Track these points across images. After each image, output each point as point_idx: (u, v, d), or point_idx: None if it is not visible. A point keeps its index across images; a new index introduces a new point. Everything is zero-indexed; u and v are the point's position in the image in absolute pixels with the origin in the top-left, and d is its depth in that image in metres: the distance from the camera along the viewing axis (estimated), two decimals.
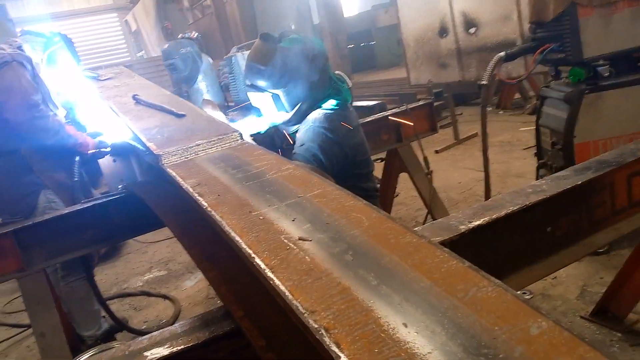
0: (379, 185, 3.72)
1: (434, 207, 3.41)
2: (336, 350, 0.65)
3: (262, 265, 0.85)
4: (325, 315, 0.71)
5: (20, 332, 3.28)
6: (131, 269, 4.18)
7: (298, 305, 0.74)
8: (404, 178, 3.54)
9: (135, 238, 4.13)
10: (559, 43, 2.74)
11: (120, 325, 3.01)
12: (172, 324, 3.06)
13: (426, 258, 0.82)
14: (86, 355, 2.11)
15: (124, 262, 4.35)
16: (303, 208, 1.02)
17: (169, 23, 10.65)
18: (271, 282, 0.81)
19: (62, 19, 16.85)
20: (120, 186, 2.55)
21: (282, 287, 0.78)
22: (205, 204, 1.10)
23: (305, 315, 0.72)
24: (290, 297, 0.76)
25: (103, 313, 2.98)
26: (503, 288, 0.73)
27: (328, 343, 0.66)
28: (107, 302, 3.60)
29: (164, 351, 1.07)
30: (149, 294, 3.63)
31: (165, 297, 3.56)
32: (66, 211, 2.40)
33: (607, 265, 2.71)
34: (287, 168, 1.24)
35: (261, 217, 1.00)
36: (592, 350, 0.61)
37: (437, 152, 5.79)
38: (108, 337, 3.00)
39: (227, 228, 0.98)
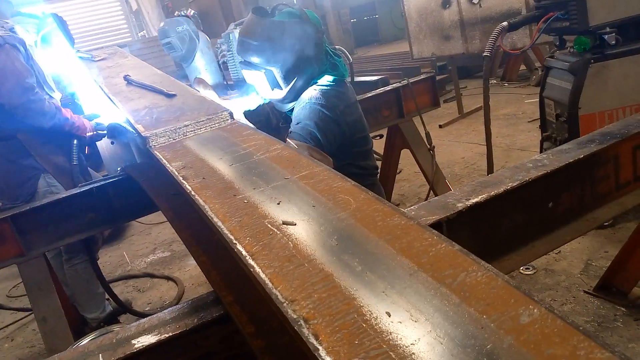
0: (379, 162, 3.68)
1: (436, 183, 3.37)
2: (314, 342, 0.61)
3: (244, 252, 0.81)
4: (305, 305, 0.68)
5: (26, 316, 3.31)
6: (135, 250, 4.18)
7: (278, 294, 0.71)
8: (407, 154, 3.49)
9: (138, 220, 4.13)
10: (564, 11, 2.64)
11: (123, 308, 3.02)
12: (175, 305, 3.08)
13: (414, 241, 0.78)
14: (86, 339, 2.11)
15: (128, 243, 4.35)
16: (289, 190, 0.98)
17: (170, 1, 10.47)
18: (251, 269, 0.77)
19: None
20: (119, 168, 2.52)
21: (262, 275, 0.75)
22: (189, 187, 1.06)
23: (285, 304, 0.69)
24: (270, 285, 0.73)
25: (107, 295, 2.99)
26: (493, 273, 0.69)
27: (306, 334, 0.63)
28: (111, 284, 3.63)
29: (151, 339, 1.04)
30: (152, 276, 3.64)
31: (168, 278, 3.56)
32: (64, 195, 2.37)
33: (612, 239, 2.66)
34: (276, 148, 1.20)
35: (245, 201, 0.97)
36: (587, 340, 0.57)
37: (440, 126, 5.71)
38: (112, 319, 3.01)
39: (209, 213, 0.94)
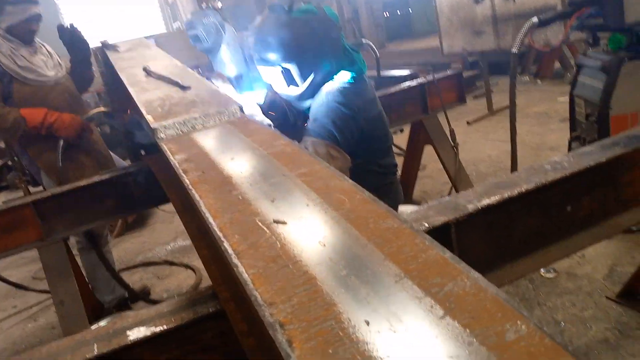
0: (401, 158, 3.62)
1: (459, 181, 3.29)
2: (287, 349, 0.59)
3: (229, 250, 0.79)
4: (283, 308, 0.66)
5: (49, 298, 3.39)
6: (157, 238, 4.25)
7: (257, 295, 0.69)
8: (433, 150, 3.42)
9: (161, 208, 4.19)
10: (598, 7, 2.53)
11: (135, 297, 3.06)
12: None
13: (404, 246, 0.74)
14: (101, 324, 2.16)
15: (150, 231, 4.43)
16: (286, 188, 0.96)
17: None
18: (235, 268, 0.76)
19: None
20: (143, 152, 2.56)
21: (244, 275, 0.73)
22: (188, 181, 1.05)
23: (263, 307, 0.66)
24: (250, 286, 0.71)
25: (127, 281, 3.05)
26: (483, 284, 0.65)
27: (280, 340, 0.61)
28: (131, 270, 3.70)
29: (146, 331, 1.04)
30: (171, 263, 3.69)
31: (187, 266, 3.60)
32: (84, 183, 2.42)
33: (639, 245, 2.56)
34: (279, 144, 1.17)
35: (240, 197, 0.95)
36: None
37: (468, 123, 5.59)
38: (124, 304, 3.07)
39: (202, 208, 0.93)
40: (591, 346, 1.99)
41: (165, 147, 1.29)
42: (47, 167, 2.80)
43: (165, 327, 1.04)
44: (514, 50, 2.69)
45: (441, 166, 3.43)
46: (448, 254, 0.71)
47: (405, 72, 6.60)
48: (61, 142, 2.75)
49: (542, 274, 2.53)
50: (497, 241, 1.37)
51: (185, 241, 4.04)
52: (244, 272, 0.74)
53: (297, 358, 0.58)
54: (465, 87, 3.60)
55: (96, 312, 2.87)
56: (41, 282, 3.69)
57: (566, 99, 3.07)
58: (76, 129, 2.80)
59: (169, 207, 3.91)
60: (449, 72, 3.49)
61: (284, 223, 0.84)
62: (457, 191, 3.21)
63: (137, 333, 1.03)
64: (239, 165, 1.10)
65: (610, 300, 2.23)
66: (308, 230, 0.81)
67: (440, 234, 1.19)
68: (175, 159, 1.18)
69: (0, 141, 4.58)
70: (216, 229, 0.85)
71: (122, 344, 1.01)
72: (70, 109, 2.83)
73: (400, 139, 3.95)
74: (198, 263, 3.62)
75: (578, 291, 2.35)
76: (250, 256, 0.77)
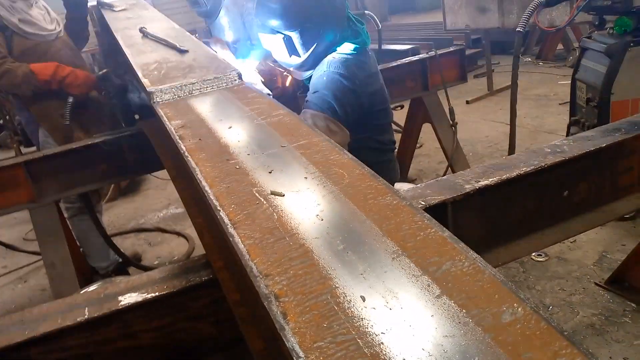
0: (399, 135, 3.60)
1: (455, 160, 3.28)
2: (281, 321, 0.58)
3: (226, 220, 0.78)
4: (279, 280, 0.65)
5: (39, 260, 3.39)
6: (149, 204, 4.23)
7: (253, 266, 0.68)
8: (430, 128, 3.39)
9: (155, 174, 4.16)
10: None
11: (128, 262, 3.05)
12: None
13: (403, 223, 0.73)
14: (91, 287, 2.15)
15: (143, 197, 4.41)
16: (283, 159, 0.94)
17: None
18: (231, 238, 0.74)
19: None
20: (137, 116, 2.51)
21: (240, 246, 0.72)
22: (184, 148, 1.03)
23: (258, 278, 0.66)
24: (247, 257, 0.70)
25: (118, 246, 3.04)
26: (481, 265, 0.64)
27: (275, 312, 0.60)
28: (123, 236, 3.69)
29: (137, 297, 1.04)
30: (164, 231, 3.68)
31: (179, 234, 3.60)
32: (77, 145, 2.38)
33: (631, 232, 2.57)
34: (278, 114, 1.15)
35: (237, 167, 0.93)
36: (570, 346, 0.53)
37: (468, 102, 5.55)
38: (122, 270, 3.07)
39: (199, 176, 0.91)
40: (577, 330, 2.02)
41: (161, 112, 1.26)
42: (51, 126, 2.74)
43: (157, 293, 1.04)
44: (519, 29, 2.65)
45: (438, 145, 3.42)
46: (447, 233, 0.71)
47: (406, 46, 6.51)
48: (71, 99, 2.68)
49: (533, 257, 2.55)
50: (493, 222, 1.37)
51: (177, 209, 4.03)
52: (240, 242, 0.73)
53: (291, 330, 0.57)
54: (466, 65, 3.56)
55: (86, 277, 2.87)
56: (32, 244, 3.69)
57: (567, 82, 3.04)
58: (89, 86, 2.74)
59: (163, 174, 3.89)
60: (451, 49, 3.43)
61: (281, 195, 0.82)
62: (453, 171, 3.20)
63: (128, 299, 1.03)
64: (236, 134, 1.08)
65: (599, 286, 2.26)
66: (306, 203, 0.80)
67: (436, 212, 1.18)
68: (171, 125, 1.16)
69: None
70: (212, 198, 0.83)
71: (113, 308, 1.01)
72: (72, 65, 2.76)
73: (398, 116, 3.91)
74: (190, 231, 3.62)
75: (567, 276, 2.37)
76: (246, 227, 0.76)
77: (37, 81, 2.60)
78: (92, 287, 2.18)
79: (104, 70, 2.72)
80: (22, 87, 2.62)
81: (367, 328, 0.57)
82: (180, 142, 1.06)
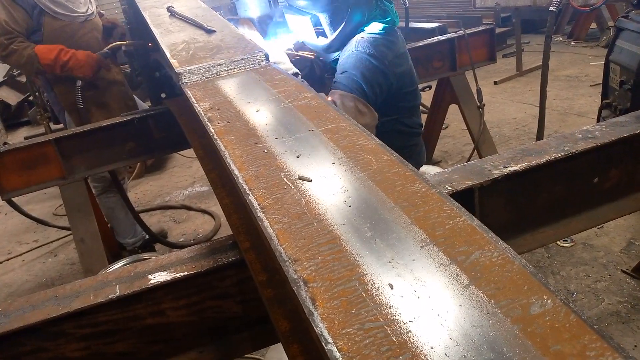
0: (424, 115, 3.56)
1: (482, 143, 3.23)
2: (310, 306, 0.59)
3: (255, 204, 0.79)
4: (307, 266, 0.66)
5: (69, 234, 3.49)
6: (175, 182, 4.29)
7: (282, 251, 0.69)
8: (456, 109, 3.34)
9: (180, 153, 4.21)
10: None
11: (154, 238, 3.11)
12: (210, 239, 3.16)
13: (431, 211, 0.73)
14: (120, 264, 2.21)
15: (169, 175, 4.47)
16: (311, 144, 0.94)
17: None
18: (260, 222, 0.75)
19: None
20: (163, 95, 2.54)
21: (269, 230, 0.73)
22: (213, 130, 1.04)
23: (287, 263, 0.67)
24: (275, 241, 0.71)
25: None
26: (510, 255, 0.64)
27: (304, 297, 0.61)
28: (149, 212, 3.77)
29: (167, 276, 1.06)
30: (189, 208, 3.74)
31: (204, 211, 3.65)
32: (106, 123, 2.42)
33: None
34: (305, 97, 1.15)
35: (265, 151, 0.94)
36: (599, 340, 0.53)
37: (496, 83, 5.44)
38: (149, 245, 3.14)
39: (228, 159, 0.92)
40: (602, 318, 2.00)
41: (189, 93, 1.27)
42: (69, 108, 2.79)
43: (185, 273, 1.06)
44: (552, 8, 2.57)
45: (464, 126, 3.37)
46: (476, 222, 0.70)
47: (434, 24, 6.38)
48: (79, 83, 2.70)
49: (559, 243, 2.52)
50: (520, 208, 1.35)
51: (202, 187, 4.08)
52: (268, 226, 0.74)
53: (320, 316, 0.58)
54: (495, 44, 3.48)
55: (114, 252, 2.94)
56: (61, 219, 3.79)
57: (599, 62, 2.95)
58: (92, 66, 2.71)
59: (188, 152, 3.94)
60: (480, 28, 3.35)
61: (309, 180, 0.83)
62: (479, 153, 3.16)
63: (158, 277, 1.05)
64: (264, 117, 1.08)
65: (626, 273, 2.22)
66: (333, 189, 0.80)
67: (463, 198, 1.17)
68: (200, 106, 1.17)
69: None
70: (241, 182, 0.84)
71: (143, 286, 1.04)
72: (100, 48, 2.78)
73: (424, 96, 3.86)
74: (216, 209, 3.67)
75: (593, 262, 2.34)
76: (275, 211, 0.77)
77: (40, 64, 2.61)
78: (120, 263, 2.25)
79: (110, 46, 2.72)
80: (26, 68, 2.65)
81: (395, 316, 0.57)
82: (209, 124, 1.07)
